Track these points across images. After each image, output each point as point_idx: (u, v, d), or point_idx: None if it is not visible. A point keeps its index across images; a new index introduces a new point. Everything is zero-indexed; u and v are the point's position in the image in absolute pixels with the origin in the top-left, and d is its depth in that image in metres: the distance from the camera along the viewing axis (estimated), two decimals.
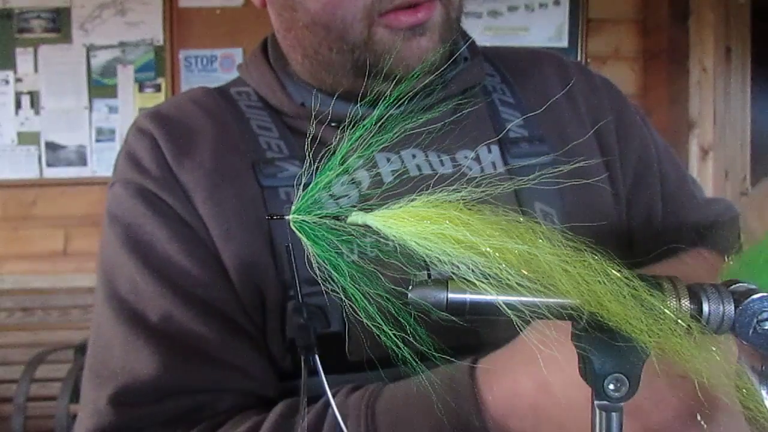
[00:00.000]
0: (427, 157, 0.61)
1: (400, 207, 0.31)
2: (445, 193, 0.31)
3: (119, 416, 0.52)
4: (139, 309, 0.54)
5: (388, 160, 0.59)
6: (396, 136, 0.49)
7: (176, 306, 0.53)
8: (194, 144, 0.60)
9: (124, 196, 0.58)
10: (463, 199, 0.31)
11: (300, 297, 0.33)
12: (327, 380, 0.40)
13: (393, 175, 0.55)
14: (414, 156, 0.60)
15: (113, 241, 0.57)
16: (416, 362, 0.31)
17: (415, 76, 0.56)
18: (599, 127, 0.67)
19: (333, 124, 0.51)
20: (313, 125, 0.44)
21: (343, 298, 0.31)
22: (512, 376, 0.45)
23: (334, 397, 0.49)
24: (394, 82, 0.56)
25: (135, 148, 0.61)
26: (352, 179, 0.55)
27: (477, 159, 0.62)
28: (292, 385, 0.57)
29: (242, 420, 0.52)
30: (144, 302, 0.54)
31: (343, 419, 0.47)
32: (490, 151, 0.63)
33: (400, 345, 0.31)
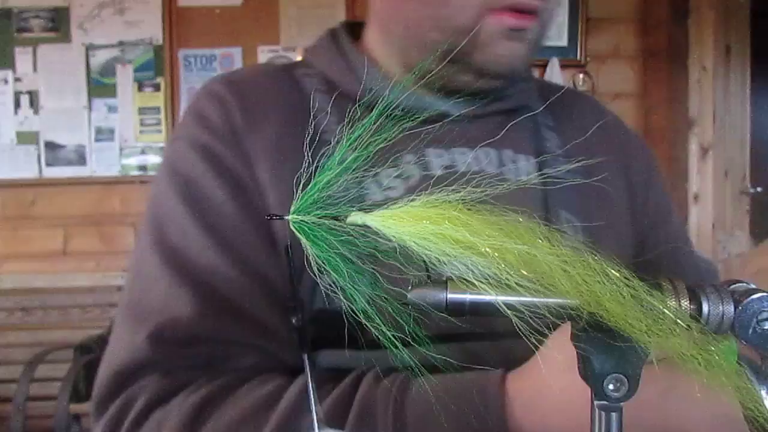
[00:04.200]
0: (478, 156, 0.65)
1: (400, 207, 0.31)
2: (445, 194, 0.31)
3: (155, 352, 0.54)
4: (186, 257, 0.56)
5: (440, 156, 0.63)
6: (446, 133, 0.54)
7: (222, 260, 0.56)
8: (263, 116, 0.62)
9: (188, 152, 0.60)
10: (463, 199, 0.31)
11: (296, 297, 0.33)
12: (348, 355, 0.43)
13: (442, 170, 0.61)
14: (463, 153, 0.64)
15: (169, 193, 0.59)
16: (415, 363, 0.31)
17: (497, 75, 0.61)
18: (628, 168, 0.74)
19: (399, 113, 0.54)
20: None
21: (343, 299, 0.31)
22: (541, 399, 0.46)
23: (354, 380, 0.52)
24: (476, 77, 0.61)
25: (204, 108, 0.63)
26: (401, 174, 0.59)
27: (516, 163, 0.67)
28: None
29: (267, 380, 0.54)
30: (192, 252, 0.56)
31: (371, 407, 0.49)
32: (528, 161, 0.68)
33: (399, 345, 0.31)
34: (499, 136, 0.55)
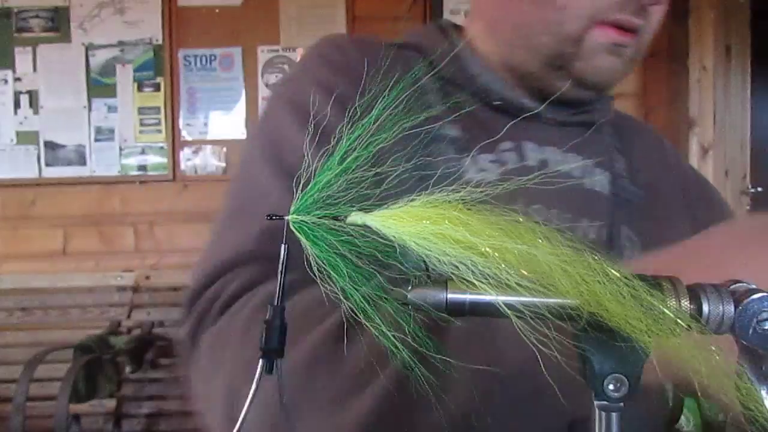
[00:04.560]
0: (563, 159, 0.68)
1: (400, 207, 0.31)
2: (445, 194, 0.31)
3: (260, 246, 0.55)
4: (298, 173, 0.59)
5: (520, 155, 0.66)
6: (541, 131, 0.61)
7: None
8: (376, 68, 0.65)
9: (311, 88, 0.60)
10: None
11: (279, 301, 0.33)
12: None
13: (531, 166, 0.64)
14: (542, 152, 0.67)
15: (288, 120, 0.60)
16: (414, 363, 0.31)
17: (593, 86, 0.65)
18: (690, 196, 0.77)
19: (496, 103, 0.63)
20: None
21: (342, 299, 0.31)
22: None
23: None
24: (572, 85, 0.64)
25: (329, 53, 0.65)
26: (498, 159, 0.63)
27: (593, 175, 0.70)
28: None
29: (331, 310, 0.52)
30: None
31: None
32: (603, 174, 0.71)
33: (399, 346, 0.31)
34: (582, 145, 0.60)
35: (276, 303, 0.33)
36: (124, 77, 2.76)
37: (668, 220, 0.72)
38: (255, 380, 0.30)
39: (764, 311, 0.29)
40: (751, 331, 0.30)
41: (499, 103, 0.65)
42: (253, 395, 0.31)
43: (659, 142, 0.82)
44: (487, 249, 0.29)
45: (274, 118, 0.63)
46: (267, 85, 2.80)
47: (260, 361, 0.31)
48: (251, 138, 0.64)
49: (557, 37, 0.62)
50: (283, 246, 0.33)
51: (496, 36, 0.68)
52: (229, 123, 2.81)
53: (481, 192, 0.31)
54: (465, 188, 0.32)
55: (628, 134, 0.78)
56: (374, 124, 0.61)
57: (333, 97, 0.57)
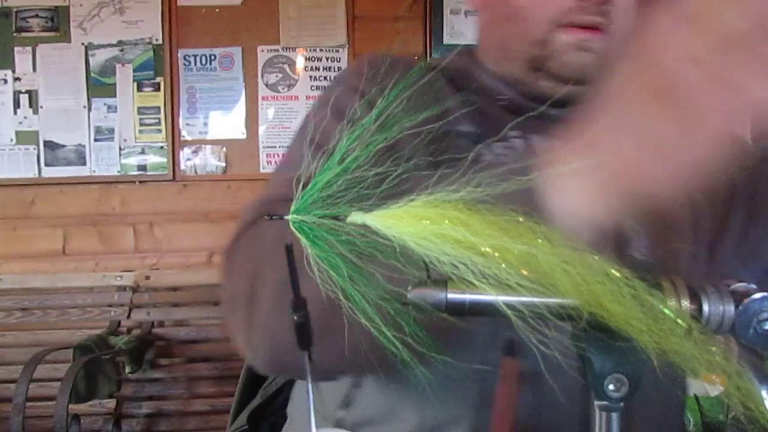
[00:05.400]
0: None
1: (400, 207, 0.31)
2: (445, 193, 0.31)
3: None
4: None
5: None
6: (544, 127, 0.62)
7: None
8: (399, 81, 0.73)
9: (345, 92, 0.72)
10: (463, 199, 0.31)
11: (299, 295, 0.33)
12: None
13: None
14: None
15: (325, 113, 0.70)
16: (414, 362, 0.31)
17: (570, 80, 0.69)
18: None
19: (502, 103, 0.73)
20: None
21: (342, 299, 0.31)
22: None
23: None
24: (554, 83, 0.70)
25: (357, 63, 0.78)
26: (497, 154, 0.68)
27: None
28: None
29: None
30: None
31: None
32: None
33: (399, 346, 0.31)
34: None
35: (294, 299, 0.33)
36: (124, 77, 2.76)
37: None
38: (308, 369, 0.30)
39: (764, 311, 0.29)
40: (751, 330, 0.30)
41: (504, 103, 0.74)
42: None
43: None
44: (487, 249, 0.29)
45: (318, 112, 0.73)
46: (267, 85, 2.80)
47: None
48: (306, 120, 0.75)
49: (528, 44, 0.70)
50: (286, 246, 0.33)
51: (488, 51, 0.79)
52: (229, 123, 2.81)
53: (485, 187, 0.31)
54: (465, 188, 0.32)
55: None
56: (399, 124, 0.64)
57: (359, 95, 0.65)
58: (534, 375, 0.52)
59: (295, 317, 0.34)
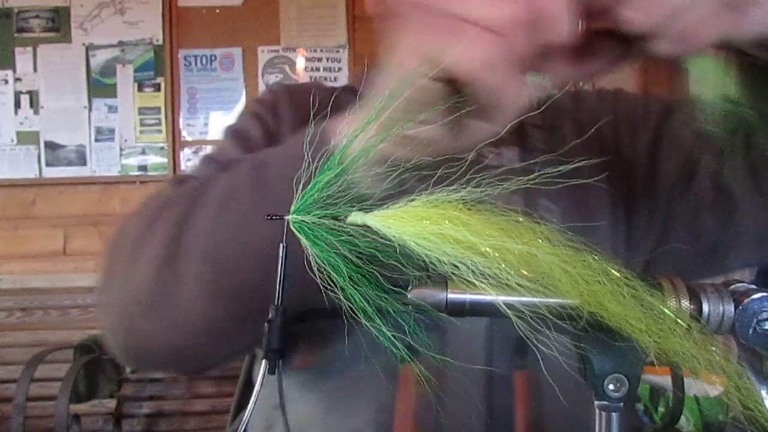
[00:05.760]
0: None
1: (400, 207, 0.31)
2: (445, 193, 0.31)
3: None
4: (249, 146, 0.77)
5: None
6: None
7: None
8: (296, 105, 0.83)
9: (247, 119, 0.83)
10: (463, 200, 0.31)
11: (280, 300, 0.33)
12: None
13: None
14: None
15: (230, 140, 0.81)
16: (414, 362, 0.31)
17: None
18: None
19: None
20: None
21: (342, 299, 0.31)
22: None
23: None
24: None
25: (263, 94, 0.85)
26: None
27: (501, 155, 0.76)
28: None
29: None
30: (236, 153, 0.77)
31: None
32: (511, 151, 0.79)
33: (399, 345, 0.31)
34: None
35: (276, 303, 0.33)
36: (125, 77, 2.76)
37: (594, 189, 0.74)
38: (258, 381, 0.30)
39: (764, 311, 0.29)
40: (751, 330, 0.30)
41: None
42: (257, 395, 0.31)
43: (595, 106, 0.85)
44: (487, 249, 0.29)
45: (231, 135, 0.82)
46: (267, 85, 2.80)
47: (263, 362, 0.31)
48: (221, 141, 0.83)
49: None
50: (282, 246, 0.33)
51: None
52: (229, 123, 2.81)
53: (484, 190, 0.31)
54: (466, 188, 0.32)
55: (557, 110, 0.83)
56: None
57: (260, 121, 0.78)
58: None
59: (267, 323, 0.32)
